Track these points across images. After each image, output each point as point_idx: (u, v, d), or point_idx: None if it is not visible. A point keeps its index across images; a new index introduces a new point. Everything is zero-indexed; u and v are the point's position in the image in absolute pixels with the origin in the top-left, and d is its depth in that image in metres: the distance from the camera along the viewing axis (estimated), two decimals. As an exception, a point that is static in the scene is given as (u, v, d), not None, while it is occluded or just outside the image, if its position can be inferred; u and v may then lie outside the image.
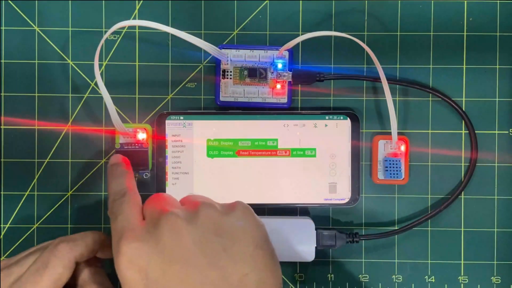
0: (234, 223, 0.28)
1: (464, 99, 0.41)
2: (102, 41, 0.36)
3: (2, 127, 0.40)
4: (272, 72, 0.39)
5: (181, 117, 0.39)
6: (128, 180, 0.32)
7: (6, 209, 0.40)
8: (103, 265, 0.36)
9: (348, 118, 0.39)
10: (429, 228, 0.41)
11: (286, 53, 0.39)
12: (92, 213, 0.40)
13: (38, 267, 0.31)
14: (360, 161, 0.40)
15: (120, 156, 0.35)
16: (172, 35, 0.36)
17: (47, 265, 0.31)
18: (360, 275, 0.40)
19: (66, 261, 0.31)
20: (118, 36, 0.40)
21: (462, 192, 0.40)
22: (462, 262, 0.41)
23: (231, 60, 0.39)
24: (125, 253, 0.27)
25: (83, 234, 0.34)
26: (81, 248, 0.32)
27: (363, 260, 0.40)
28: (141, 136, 0.39)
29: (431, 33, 0.40)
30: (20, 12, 0.40)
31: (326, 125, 0.39)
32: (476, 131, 0.40)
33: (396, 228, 0.40)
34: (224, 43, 0.40)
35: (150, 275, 0.26)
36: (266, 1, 0.40)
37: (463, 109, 0.40)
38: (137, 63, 0.40)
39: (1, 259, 0.40)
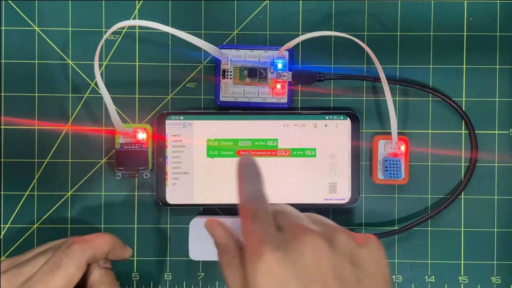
0: (368, 257, 0.27)
1: (464, 99, 0.41)
2: (102, 41, 0.36)
3: (2, 127, 0.40)
4: (272, 72, 0.39)
5: (181, 117, 0.39)
6: (262, 184, 0.31)
7: (6, 209, 0.40)
8: (112, 267, 0.36)
9: (348, 118, 0.39)
10: (429, 228, 0.41)
11: (286, 53, 0.39)
12: (92, 213, 0.40)
13: (50, 267, 0.31)
14: (360, 161, 0.40)
15: (253, 157, 0.33)
16: (172, 35, 0.36)
17: (59, 265, 0.31)
18: (360, 275, 0.40)
19: (78, 262, 0.31)
20: (118, 36, 0.40)
21: (462, 192, 0.40)
22: (462, 262, 0.41)
23: (231, 60, 0.39)
24: (267, 260, 0.26)
25: (96, 236, 0.33)
26: (94, 250, 0.32)
27: (363, 260, 0.40)
28: (141, 136, 0.39)
29: (431, 33, 0.40)
30: (20, 12, 0.40)
31: (326, 125, 0.39)
32: (476, 131, 0.40)
33: (396, 228, 0.40)
34: (224, 43, 0.40)
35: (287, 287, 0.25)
36: (266, 1, 0.40)
37: (463, 109, 0.40)
38: (137, 63, 0.40)
39: (1, 259, 0.40)
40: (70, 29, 0.40)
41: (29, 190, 0.40)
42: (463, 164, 0.41)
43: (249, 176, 0.31)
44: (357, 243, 0.28)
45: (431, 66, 0.40)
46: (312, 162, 0.39)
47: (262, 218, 0.28)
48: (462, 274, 0.41)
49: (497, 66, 0.41)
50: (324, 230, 0.28)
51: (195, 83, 0.40)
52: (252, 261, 0.26)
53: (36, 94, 0.40)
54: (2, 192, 0.40)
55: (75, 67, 0.40)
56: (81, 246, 0.32)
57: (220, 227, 0.31)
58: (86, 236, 0.33)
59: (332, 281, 0.26)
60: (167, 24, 0.39)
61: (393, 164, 0.39)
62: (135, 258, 0.40)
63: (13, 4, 0.40)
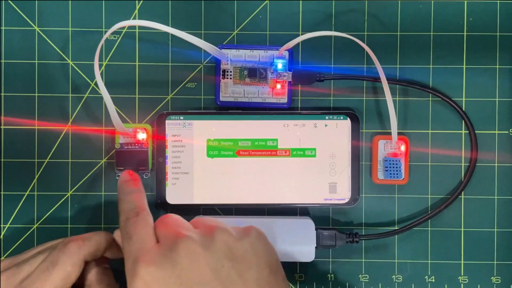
0: (248, 249, 0.28)
1: (464, 99, 0.41)
2: (102, 41, 0.36)
3: (2, 127, 0.40)
4: (272, 72, 0.39)
5: (181, 117, 0.39)
6: (140, 199, 0.32)
7: (6, 209, 0.40)
8: (110, 265, 0.36)
9: (348, 118, 0.39)
10: (429, 228, 0.41)
11: (286, 53, 0.39)
12: (92, 213, 0.40)
13: (47, 265, 0.31)
14: (360, 161, 0.40)
15: (130, 172, 0.34)
16: (172, 35, 0.36)
17: (56, 263, 0.31)
18: (360, 275, 0.40)
19: (75, 259, 0.32)
20: (118, 36, 0.40)
21: (462, 192, 0.40)
22: (462, 262, 0.41)
23: (231, 60, 0.39)
24: (142, 276, 0.26)
25: (93, 234, 0.34)
26: (90, 247, 0.33)
27: (363, 260, 0.40)
28: (141, 136, 0.39)
29: (431, 33, 0.40)
30: (20, 12, 0.40)
31: (326, 125, 0.39)
32: (476, 131, 0.40)
33: (396, 228, 0.40)
34: (224, 43, 0.40)
35: None
36: (266, 1, 0.40)
37: (463, 109, 0.40)
38: (137, 63, 0.40)
39: (1, 258, 0.40)
40: (70, 29, 0.40)
41: (29, 190, 0.40)
42: (463, 164, 0.41)
43: (126, 193, 0.32)
44: (235, 237, 0.28)
45: (431, 66, 0.40)
46: (312, 162, 0.39)
47: (138, 235, 0.29)
48: (462, 274, 0.41)
49: (497, 66, 0.40)
50: (202, 232, 0.28)
51: (195, 83, 0.40)
52: (130, 282, 0.27)
53: (36, 94, 0.40)
54: (2, 192, 0.40)
55: (75, 67, 0.40)
56: (78, 244, 0.32)
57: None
58: (83, 234, 0.34)
59: (211, 282, 0.26)
60: (167, 24, 0.39)
61: (393, 164, 0.39)
62: (135, 258, 0.40)
63: (13, 4, 0.40)
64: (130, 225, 0.30)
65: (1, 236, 0.40)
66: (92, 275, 0.33)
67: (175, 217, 0.31)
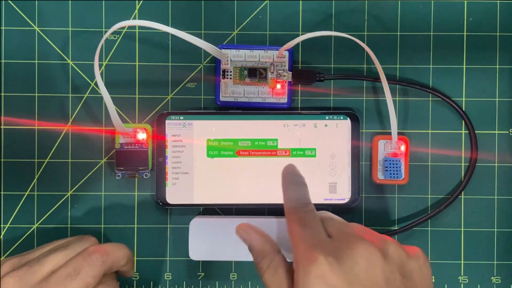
0: (416, 269, 0.28)
1: (464, 99, 0.41)
2: (102, 41, 0.36)
3: (2, 127, 0.40)
4: (272, 72, 0.39)
5: (181, 117, 0.39)
6: (307, 193, 0.31)
7: (6, 209, 0.40)
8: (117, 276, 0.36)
9: (348, 118, 0.39)
10: (429, 228, 0.41)
11: (286, 53, 0.39)
12: (92, 213, 0.40)
13: (69, 272, 0.31)
14: (360, 161, 0.40)
15: (297, 168, 0.33)
16: (172, 35, 0.36)
17: (79, 272, 0.31)
18: (360, 275, 0.40)
19: (96, 272, 0.32)
20: (118, 36, 0.40)
21: (462, 192, 0.40)
22: (462, 262, 0.41)
23: (231, 60, 0.39)
24: (320, 264, 0.26)
25: (116, 248, 0.34)
26: (112, 263, 0.33)
27: (363, 260, 0.40)
28: (141, 136, 0.39)
29: (431, 33, 0.40)
30: (20, 12, 0.40)
31: (326, 125, 0.39)
32: (476, 131, 0.40)
33: (396, 228, 0.40)
34: (224, 43, 0.40)
35: None
36: (266, 1, 0.40)
37: (463, 109, 0.40)
38: (137, 63, 0.40)
39: (1, 258, 0.40)
40: (70, 29, 0.40)
41: (29, 190, 0.40)
42: (463, 164, 0.41)
43: (295, 183, 0.32)
44: (406, 254, 0.28)
45: (431, 66, 0.40)
46: (312, 162, 0.39)
47: (311, 224, 0.29)
48: (462, 274, 0.41)
49: (497, 66, 0.40)
50: (375, 238, 0.28)
51: (195, 83, 0.40)
52: (305, 265, 0.26)
53: (36, 94, 0.40)
54: (2, 192, 0.40)
55: (75, 67, 0.40)
56: (103, 257, 0.32)
57: (254, 231, 0.31)
58: (106, 246, 0.34)
59: None
60: (167, 24, 0.39)
61: (393, 164, 0.39)
62: (135, 258, 0.40)
63: (13, 4, 0.40)
64: (304, 213, 0.29)
65: (1, 236, 0.40)
66: (100, 284, 0.34)
67: (338, 217, 0.31)
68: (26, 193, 0.40)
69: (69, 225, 0.40)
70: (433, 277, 0.41)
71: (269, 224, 0.38)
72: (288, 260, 0.31)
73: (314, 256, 0.26)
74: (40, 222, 0.40)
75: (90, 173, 0.40)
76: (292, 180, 0.32)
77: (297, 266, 0.27)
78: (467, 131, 0.40)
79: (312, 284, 0.26)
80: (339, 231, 0.29)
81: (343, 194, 0.39)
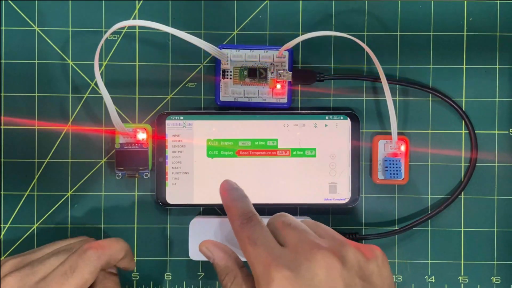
0: (375, 271, 0.28)
1: (464, 99, 0.41)
2: (102, 41, 0.36)
3: (2, 127, 0.40)
4: (272, 72, 0.39)
5: (181, 117, 0.39)
6: (248, 204, 0.31)
7: (6, 209, 0.40)
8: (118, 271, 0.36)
9: (348, 118, 0.39)
10: (429, 228, 0.41)
11: (286, 53, 0.39)
12: (92, 213, 0.40)
13: (65, 270, 0.31)
14: (360, 161, 0.40)
15: (230, 182, 0.34)
16: (172, 35, 0.36)
17: (75, 269, 0.31)
18: (360, 275, 0.40)
19: (93, 267, 0.32)
20: (118, 36, 0.40)
21: (462, 192, 0.40)
22: (462, 262, 0.41)
23: (231, 60, 0.39)
24: (279, 282, 0.26)
25: (111, 242, 0.34)
26: (108, 257, 0.33)
27: (363, 260, 0.40)
28: (141, 136, 0.39)
29: (431, 33, 0.40)
30: (20, 12, 0.40)
31: (326, 125, 0.39)
32: (476, 131, 0.40)
33: (396, 228, 0.40)
34: (224, 43, 0.40)
35: None
36: (266, 1, 0.40)
37: (463, 109, 0.40)
38: (137, 63, 0.40)
39: (2, 258, 0.40)
40: (70, 29, 0.40)
41: (29, 190, 0.40)
42: (463, 164, 0.41)
43: (236, 199, 0.32)
44: (364, 257, 0.28)
45: (431, 66, 0.40)
46: (312, 162, 0.39)
47: (261, 239, 0.28)
48: (462, 274, 0.41)
49: (497, 66, 0.41)
50: (332, 244, 0.28)
51: (195, 83, 0.40)
52: (265, 285, 0.26)
53: (36, 94, 0.40)
54: (2, 192, 0.40)
55: (75, 67, 0.40)
56: (98, 253, 0.32)
57: (217, 248, 0.32)
58: (102, 241, 0.33)
59: None
60: (167, 24, 0.39)
61: (393, 164, 0.39)
62: (135, 258, 0.40)
63: (13, 4, 0.40)
64: (249, 230, 0.29)
65: (1, 236, 0.40)
66: (99, 279, 0.34)
67: (295, 220, 0.30)
68: (26, 193, 0.40)
69: (69, 225, 0.40)
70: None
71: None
72: None
73: (272, 276, 0.26)
74: (40, 222, 0.40)
75: (90, 173, 0.40)
76: (232, 196, 0.32)
77: (259, 286, 0.27)
78: (467, 131, 0.40)
79: None
80: (294, 239, 0.28)
81: (343, 194, 0.39)
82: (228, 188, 0.33)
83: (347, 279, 0.26)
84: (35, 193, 0.40)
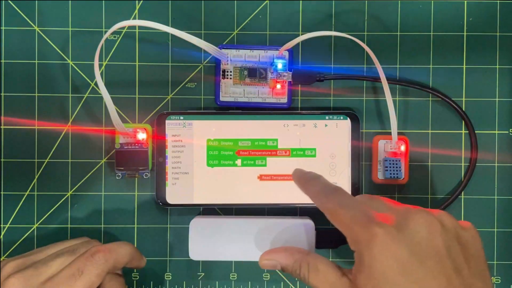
0: (470, 240, 0.28)
1: (464, 99, 0.41)
2: (102, 41, 0.36)
3: (2, 127, 0.40)
4: (272, 72, 0.39)
5: (181, 117, 0.39)
6: (328, 181, 0.31)
7: (6, 209, 0.40)
8: (123, 272, 0.36)
9: (348, 118, 0.39)
10: (429, 228, 0.41)
11: (286, 53, 0.39)
12: (92, 213, 0.40)
13: (73, 272, 0.31)
14: (360, 161, 0.40)
15: (302, 169, 0.33)
16: (172, 35, 0.36)
17: (83, 271, 0.31)
18: (360, 275, 0.40)
19: (100, 271, 0.32)
20: (118, 36, 0.40)
21: (462, 192, 0.40)
22: (462, 262, 0.40)
23: (231, 60, 0.39)
24: (382, 237, 0.25)
25: (118, 246, 0.34)
26: (115, 260, 0.33)
27: (363, 260, 0.40)
28: (141, 136, 0.39)
29: (431, 33, 0.40)
30: (20, 12, 0.40)
31: (326, 125, 0.39)
32: (476, 131, 0.40)
33: (396, 228, 0.40)
34: (224, 43, 0.40)
35: (406, 265, 0.25)
36: (266, 1, 0.40)
37: (463, 109, 0.40)
38: (137, 63, 0.40)
39: (2, 258, 0.40)
40: (70, 29, 0.40)
41: (29, 190, 0.40)
42: (463, 164, 0.41)
43: (312, 178, 0.32)
44: (460, 225, 0.28)
45: (431, 66, 0.40)
46: (312, 162, 0.39)
47: (353, 203, 0.28)
48: (462, 274, 0.40)
49: (497, 66, 0.40)
50: (427, 209, 0.28)
51: (195, 83, 0.40)
52: (367, 243, 0.26)
53: (36, 94, 0.40)
54: (2, 192, 0.40)
55: (75, 67, 0.40)
56: (105, 256, 0.33)
57: (276, 253, 0.32)
58: (109, 245, 0.34)
59: (445, 258, 0.26)
60: (167, 24, 0.39)
61: (393, 164, 0.39)
62: (135, 258, 0.40)
63: (13, 4, 0.40)
64: (338, 197, 0.29)
65: (1, 236, 0.40)
66: (105, 281, 0.34)
67: (375, 195, 0.30)
68: (26, 193, 0.40)
69: (69, 225, 0.40)
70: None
71: (269, 224, 0.38)
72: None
73: (374, 231, 0.26)
74: (40, 222, 0.40)
75: (90, 173, 0.40)
76: (307, 178, 0.32)
77: (357, 245, 0.27)
78: (467, 131, 0.40)
79: (378, 259, 0.25)
80: (386, 206, 0.28)
81: (343, 194, 0.39)
82: (301, 174, 0.32)
83: (446, 240, 0.26)
84: (35, 193, 0.40)
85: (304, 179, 0.32)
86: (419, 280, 0.25)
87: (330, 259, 0.40)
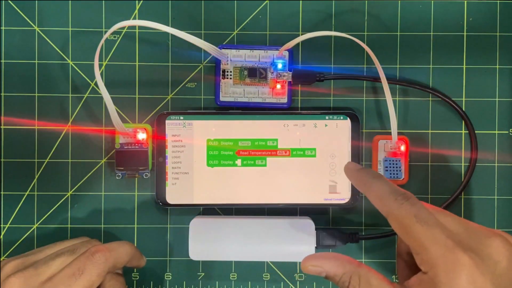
0: None
1: (464, 99, 0.41)
2: (102, 41, 0.36)
3: (2, 127, 0.40)
4: (272, 72, 0.39)
5: (181, 117, 0.39)
6: (393, 184, 0.29)
7: (6, 209, 0.40)
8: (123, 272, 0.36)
9: (348, 118, 0.39)
10: (429, 228, 0.41)
11: (286, 53, 0.39)
12: (92, 213, 0.40)
13: (73, 272, 0.31)
14: (360, 161, 0.40)
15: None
16: (172, 35, 0.36)
17: (83, 271, 0.31)
18: (360, 275, 0.40)
19: (100, 270, 0.32)
20: (118, 36, 0.40)
21: (462, 192, 0.40)
22: (462, 262, 0.40)
23: (231, 60, 0.39)
24: (467, 265, 0.24)
25: (118, 245, 0.34)
26: (115, 260, 0.33)
27: (363, 260, 0.40)
28: (141, 136, 0.39)
29: (431, 33, 0.40)
30: (20, 12, 0.40)
31: (326, 125, 0.39)
32: (476, 131, 0.40)
33: (396, 228, 0.40)
34: (224, 43, 0.40)
35: None
36: (266, 1, 0.40)
37: (463, 109, 0.40)
38: (137, 63, 0.40)
39: (2, 259, 0.40)
40: (70, 29, 0.40)
41: (29, 190, 0.40)
42: (463, 164, 0.41)
43: (377, 177, 0.29)
44: None
45: (431, 66, 0.40)
46: (312, 162, 0.39)
47: (432, 219, 0.26)
48: (462, 274, 0.40)
49: (497, 66, 0.41)
50: (504, 234, 0.27)
51: (195, 83, 0.40)
52: (449, 269, 0.24)
53: (36, 94, 0.40)
54: (2, 192, 0.40)
55: (75, 67, 0.40)
56: (105, 256, 0.32)
57: (324, 259, 0.29)
58: (109, 244, 0.34)
59: None
60: (167, 24, 0.39)
61: (393, 164, 0.39)
62: (135, 258, 0.40)
63: (13, 4, 0.40)
64: (413, 208, 0.26)
65: (1, 236, 0.40)
66: (106, 281, 0.34)
67: (441, 209, 0.29)
68: (26, 193, 0.40)
69: (69, 225, 0.40)
70: None
71: (269, 224, 0.38)
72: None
73: (460, 260, 0.24)
74: (40, 222, 0.40)
75: (90, 173, 0.40)
76: (369, 175, 0.29)
77: (433, 269, 0.25)
78: (467, 131, 0.40)
79: (464, 285, 0.24)
80: (460, 225, 0.27)
81: (343, 194, 0.39)
82: (358, 168, 0.30)
83: None
84: (35, 193, 0.40)
85: (367, 176, 0.29)
86: None
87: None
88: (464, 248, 0.25)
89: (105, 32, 0.39)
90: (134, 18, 0.40)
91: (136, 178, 0.40)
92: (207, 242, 0.38)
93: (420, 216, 0.26)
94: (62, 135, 0.40)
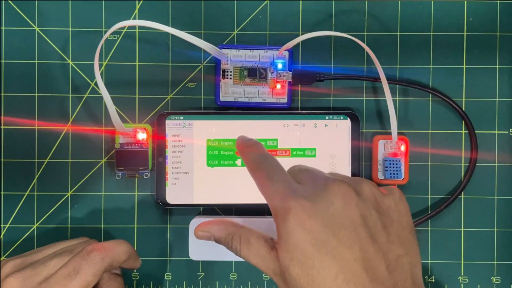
0: (392, 205, 0.28)
1: (464, 99, 0.41)
2: (102, 41, 0.36)
3: (2, 127, 0.40)
4: (272, 72, 0.39)
5: (181, 117, 0.39)
6: (263, 147, 0.31)
7: (6, 209, 0.40)
8: (121, 272, 0.36)
9: (348, 118, 0.39)
10: (429, 228, 0.41)
11: (286, 53, 0.39)
12: (92, 213, 0.40)
13: (69, 272, 0.31)
14: (360, 161, 0.40)
15: (246, 135, 0.33)
16: (172, 35, 0.36)
17: (78, 271, 0.31)
18: (360, 275, 0.40)
19: (96, 270, 0.32)
20: (118, 36, 0.40)
21: (462, 192, 0.40)
22: (462, 262, 0.41)
23: (231, 60, 0.39)
24: (297, 211, 0.26)
25: (115, 244, 0.34)
26: (111, 259, 0.33)
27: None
28: (141, 136, 0.39)
29: (431, 33, 0.40)
30: (20, 12, 0.40)
31: (326, 125, 0.39)
32: (476, 131, 0.40)
33: (396, 228, 0.40)
34: (224, 43, 0.40)
35: (319, 236, 0.25)
36: (266, 1, 0.40)
37: (463, 109, 0.40)
38: (137, 63, 0.40)
39: (1, 259, 0.40)
40: (70, 29, 0.40)
41: (29, 190, 0.40)
42: (463, 164, 0.41)
43: (249, 146, 0.31)
44: (380, 192, 0.28)
45: (431, 66, 0.40)
46: (312, 162, 0.39)
47: (278, 175, 0.28)
48: (462, 274, 0.41)
49: (497, 66, 0.41)
50: (348, 179, 0.28)
51: (195, 83, 0.40)
52: (282, 216, 0.26)
53: (36, 94, 0.40)
54: (2, 192, 0.40)
55: (75, 67, 0.40)
56: (101, 255, 0.32)
57: (211, 224, 0.31)
58: (105, 243, 0.34)
59: (360, 228, 0.26)
60: (167, 24, 0.39)
61: (393, 164, 0.39)
62: (135, 258, 0.40)
63: (13, 4, 0.40)
64: (266, 167, 0.29)
65: (1, 236, 0.40)
66: (104, 281, 0.34)
67: (311, 166, 0.30)
68: (26, 193, 0.40)
69: (69, 225, 0.40)
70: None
71: (269, 224, 0.38)
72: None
73: (289, 206, 0.26)
74: (40, 222, 0.40)
75: (90, 173, 0.40)
76: (247, 144, 0.32)
77: (276, 218, 0.27)
78: (467, 131, 0.40)
79: (292, 234, 0.26)
80: (312, 177, 0.28)
81: (343, 194, 0.39)
82: (243, 140, 0.32)
83: (363, 210, 0.26)
84: (35, 193, 0.40)
85: (245, 145, 0.32)
86: (333, 251, 0.25)
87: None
88: (295, 196, 0.26)
89: (105, 32, 0.39)
90: (134, 18, 0.40)
91: (136, 178, 0.40)
92: (207, 242, 0.38)
93: (269, 173, 0.28)
94: (62, 135, 0.40)
